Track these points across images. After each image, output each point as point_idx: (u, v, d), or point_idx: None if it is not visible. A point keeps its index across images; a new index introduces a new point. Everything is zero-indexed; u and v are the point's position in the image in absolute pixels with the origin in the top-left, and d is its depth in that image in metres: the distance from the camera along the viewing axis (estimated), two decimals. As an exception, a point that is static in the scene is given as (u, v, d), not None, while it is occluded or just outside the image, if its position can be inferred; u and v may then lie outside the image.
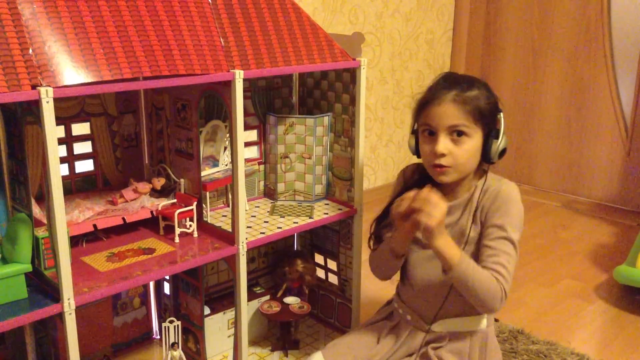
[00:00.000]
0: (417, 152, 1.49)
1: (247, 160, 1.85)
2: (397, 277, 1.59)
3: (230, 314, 1.82)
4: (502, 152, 1.42)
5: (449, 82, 1.41)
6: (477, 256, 1.41)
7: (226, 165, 1.76)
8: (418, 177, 1.53)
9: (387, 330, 1.54)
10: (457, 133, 1.38)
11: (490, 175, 1.45)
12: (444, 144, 1.37)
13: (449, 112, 1.37)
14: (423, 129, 1.43)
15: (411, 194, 1.35)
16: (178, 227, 1.56)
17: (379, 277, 1.58)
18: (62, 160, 1.57)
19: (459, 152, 1.38)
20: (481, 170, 1.47)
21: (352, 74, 1.75)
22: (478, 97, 1.38)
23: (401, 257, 1.47)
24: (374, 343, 1.53)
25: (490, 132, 1.40)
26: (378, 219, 1.55)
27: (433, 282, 1.46)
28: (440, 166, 1.39)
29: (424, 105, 1.41)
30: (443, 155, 1.38)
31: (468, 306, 1.44)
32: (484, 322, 1.48)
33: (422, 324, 1.49)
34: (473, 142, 1.39)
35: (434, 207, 1.30)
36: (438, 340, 1.47)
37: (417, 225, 1.33)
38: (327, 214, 1.79)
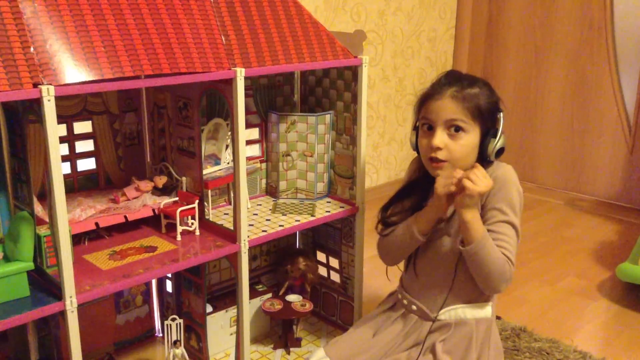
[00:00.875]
0: (417, 148, 1.50)
1: (248, 159, 1.85)
2: (400, 266, 1.60)
3: (232, 311, 1.82)
4: (500, 152, 1.44)
5: (450, 78, 1.44)
6: None
7: (228, 163, 1.77)
8: (422, 174, 1.54)
9: (391, 322, 1.54)
10: (454, 128, 1.40)
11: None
12: (440, 137, 1.40)
13: (447, 106, 1.40)
14: (422, 124, 1.45)
15: (460, 172, 1.37)
16: (180, 225, 1.56)
17: (389, 262, 1.59)
18: (64, 158, 1.58)
19: (455, 147, 1.40)
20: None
21: (353, 72, 1.75)
22: (478, 95, 1.41)
23: (426, 235, 1.47)
24: (377, 336, 1.53)
25: (488, 131, 1.42)
26: (386, 206, 1.57)
27: (438, 271, 1.48)
28: (436, 160, 1.41)
29: (425, 99, 1.44)
30: (439, 148, 1.40)
31: (473, 294, 1.47)
32: (489, 310, 1.49)
33: (427, 313, 1.49)
34: (470, 138, 1.41)
35: (483, 177, 1.34)
36: (443, 328, 1.47)
37: (461, 199, 1.36)
38: (329, 212, 1.79)
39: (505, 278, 1.38)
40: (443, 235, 1.48)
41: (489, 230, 1.40)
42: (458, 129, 1.40)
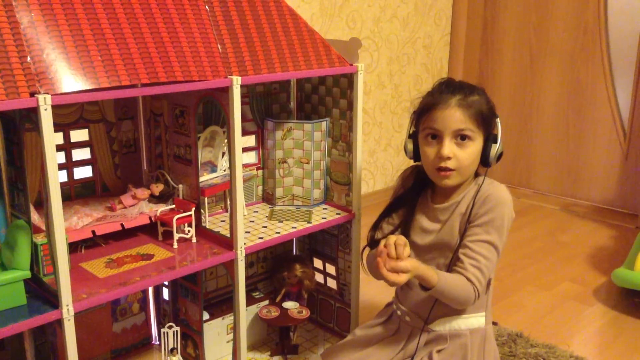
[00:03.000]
0: (414, 156, 1.50)
1: (245, 166, 1.86)
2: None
3: (229, 319, 1.82)
4: (499, 156, 1.45)
5: (451, 87, 1.43)
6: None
7: (224, 170, 1.77)
8: (414, 180, 1.55)
9: (388, 333, 1.54)
10: (461, 137, 1.40)
11: (485, 181, 1.46)
12: (449, 147, 1.40)
13: (455, 116, 1.39)
14: (426, 133, 1.44)
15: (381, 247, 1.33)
16: (176, 232, 1.57)
17: (375, 277, 1.57)
18: (61, 166, 1.58)
19: (463, 155, 1.40)
20: (476, 174, 1.48)
21: (349, 79, 1.76)
22: (480, 101, 1.42)
23: None
24: (374, 346, 1.53)
25: (488, 137, 1.43)
26: (375, 224, 1.57)
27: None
28: (445, 169, 1.41)
29: (428, 109, 1.43)
30: (449, 158, 1.40)
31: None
32: (483, 320, 1.49)
33: (421, 324, 1.49)
34: (476, 145, 1.42)
35: (401, 271, 1.29)
36: (439, 339, 1.47)
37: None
38: (325, 218, 1.80)
39: (470, 300, 1.39)
40: (432, 248, 1.48)
41: (466, 246, 1.40)
42: (465, 137, 1.40)
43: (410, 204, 1.52)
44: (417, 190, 1.53)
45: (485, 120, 1.42)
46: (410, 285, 1.52)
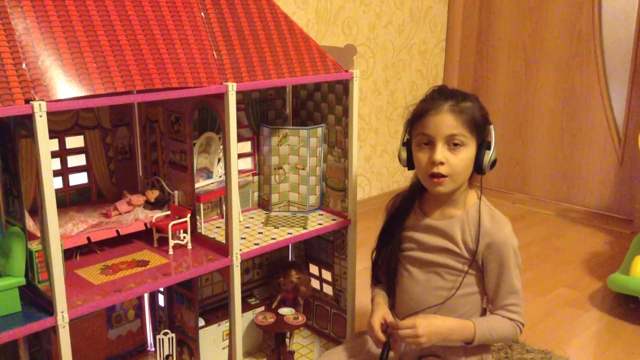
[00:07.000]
0: (408, 164, 1.50)
1: (241, 172, 1.86)
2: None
3: (225, 325, 1.82)
4: (493, 163, 1.45)
5: (444, 93, 1.43)
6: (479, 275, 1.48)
7: (220, 176, 1.77)
8: (399, 204, 1.56)
9: None
10: (454, 143, 1.40)
11: (483, 203, 1.47)
12: (441, 152, 1.39)
13: (447, 121, 1.38)
14: (419, 140, 1.43)
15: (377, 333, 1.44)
16: (172, 239, 1.57)
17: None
18: (56, 173, 1.58)
19: (455, 161, 1.39)
20: (472, 185, 1.49)
21: (344, 86, 1.77)
22: (472, 107, 1.41)
23: None
24: (370, 353, 1.53)
25: (482, 143, 1.43)
26: (375, 260, 1.61)
27: (423, 300, 1.48)
28: (438, 176, 1.40)
29: (420, 115, 1.42)
30: (441, 163, 1.39)
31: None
32: None
33: None
34: (468, 151, 1.41)
35: (420, 337, 1.39)
36: (433, 354, 1.47)
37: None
38: (321, 224, 1.80)
39: (516, 336, 1.49)
40: (422, 263, 1.48)
41: (491, 291, 1.47)
42: (457, 143, 1.39)
43: (399, 228, 1.53)
44: (404, 213, 1.53)
45: (478, 127, 1.41)
46: (404, 301, 1.52)
